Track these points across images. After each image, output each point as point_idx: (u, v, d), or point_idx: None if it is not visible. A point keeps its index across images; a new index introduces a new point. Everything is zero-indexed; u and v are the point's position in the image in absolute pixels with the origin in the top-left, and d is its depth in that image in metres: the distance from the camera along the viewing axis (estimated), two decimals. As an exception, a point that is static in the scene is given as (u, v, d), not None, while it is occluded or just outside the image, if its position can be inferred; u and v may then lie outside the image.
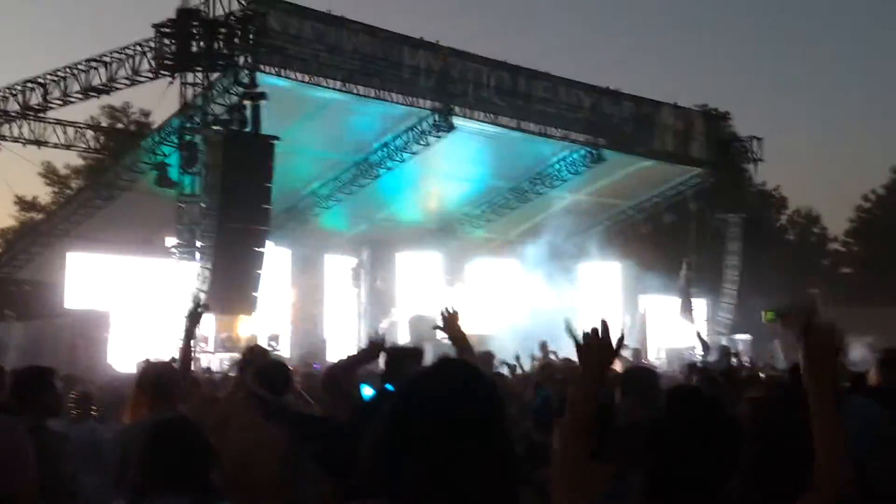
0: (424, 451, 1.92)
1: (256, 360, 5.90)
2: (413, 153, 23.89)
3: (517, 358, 15.87)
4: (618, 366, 12.53)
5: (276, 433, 5.11)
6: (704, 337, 22.47)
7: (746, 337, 28.88)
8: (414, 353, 5.62)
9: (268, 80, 19.49)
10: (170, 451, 3.72)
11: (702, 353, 20.76)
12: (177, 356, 14.06)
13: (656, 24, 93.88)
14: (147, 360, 9.39)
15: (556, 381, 7.54)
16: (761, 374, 13.47)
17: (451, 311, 4.96)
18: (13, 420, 4.24)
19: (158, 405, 5.16)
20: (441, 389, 2.00)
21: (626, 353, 17.38)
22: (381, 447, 1.98)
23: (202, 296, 15.91)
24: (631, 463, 3.52)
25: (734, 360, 19.46)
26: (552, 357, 15.29)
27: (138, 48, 20.55)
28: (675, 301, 27.66)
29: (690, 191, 30.03)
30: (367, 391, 5.25)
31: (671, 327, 27.06)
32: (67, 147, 26.98)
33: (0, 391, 7.40)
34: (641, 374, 5.56)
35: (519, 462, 2.08)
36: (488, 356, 9.77)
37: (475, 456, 1.93)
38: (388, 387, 5.12)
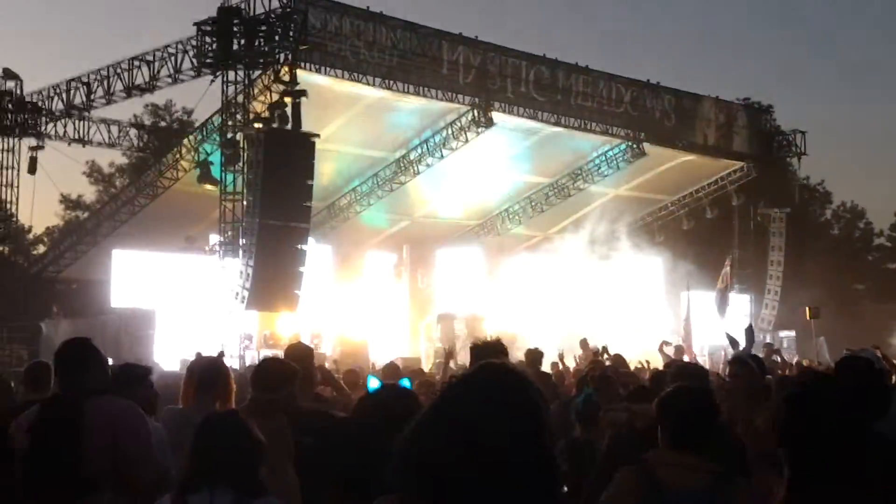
0: (456, 456, 1.88)
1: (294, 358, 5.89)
2: (452, 149, 23.86)
3: (560, 357, 15.81)
4: (661, 362, 12.44)
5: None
6: (732, 334, 22.26)
7: (790, 333, 28.55)
8: (498, 347, 5.54)
9: (308, 78, 19.56)
10: (217, 445, 3.72)
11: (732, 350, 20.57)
12: (224, 350, 14.16)
13: (698, 17, 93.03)
14: (198, 353, 9.46)
15: (604, 378, 7.47)
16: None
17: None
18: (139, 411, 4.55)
19: (201, 397, 5.21)
20: (480, 395, 1.95)
21: (668, 349, 17.26)
22: (413, 449, 1.94)
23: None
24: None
25: (776, 357, 19.25)
26: (594, 353, 15.19)
27: (180, 46, 20.75)
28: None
29: (733, 185, 29.72)
30: (374, 383, 5.22)
31: (714, 323, 26.77)
32: (111, 145, 27.36)
33: (44, 387, 7.48)
34: (693, 371, 5.52)
35: (558, 470, 2.02)
36: (538, 353, 9.72)
37: (510, 465, 1.88)
38: (403, 382, 5.10)
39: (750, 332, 18.04)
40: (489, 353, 5.29)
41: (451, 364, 10.58)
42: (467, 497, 1.86)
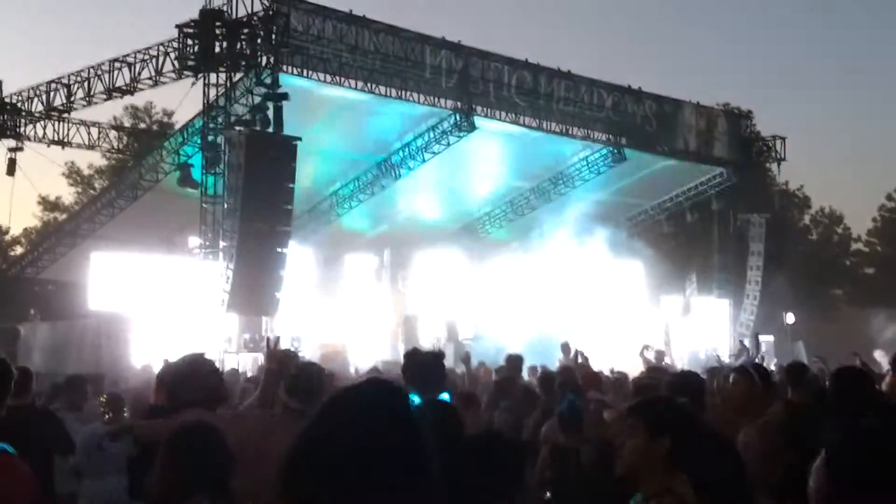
0: (330, 473, 1.95)
1: (285, 369, 5.77)
2: (434, 153, 23.87)
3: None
4: (642, 366, 12.47)
5: None
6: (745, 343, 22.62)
7: (769, 338, 28.69)
8: (432, 358, 5.47)
9: (290, 81, 19.52)
10: (188, 457, 3.70)
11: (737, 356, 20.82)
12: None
13: (679, 23, 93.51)
14: (166, 360, 9.35)
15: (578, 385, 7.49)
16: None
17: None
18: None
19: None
20: (357, 412, 2.03)
21: (648, 354, 17.29)
22: (295, 461, 2.01)
23: None
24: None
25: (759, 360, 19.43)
26: (578, 359, 15.17)
27: (161, 49, 20.68)
28: (699, 301, 27.55)
29: (713, 190, 29.86)
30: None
31: (693, 327, 26.91)
32: (91, 147, 27.21)
33: (25, 393, 7.42)
34: (691, 378, 5.54)
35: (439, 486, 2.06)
36: (518, 359, 9.73)
37: (382, 481, 1.96)
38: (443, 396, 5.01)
39: (755, 339, 18.11)
40: (423, 361, 5.26)
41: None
42: None
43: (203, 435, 3.83)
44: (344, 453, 1.95)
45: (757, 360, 19.31)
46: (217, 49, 19.18)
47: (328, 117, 22.46)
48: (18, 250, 39.13)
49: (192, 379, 5.01)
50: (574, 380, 8.11)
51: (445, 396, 4.94)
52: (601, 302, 25.96)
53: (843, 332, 31.52)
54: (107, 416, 7.00)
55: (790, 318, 27.51)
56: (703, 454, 3.55)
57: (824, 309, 39.93)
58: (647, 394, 5.27)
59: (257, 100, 18.99)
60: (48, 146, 25.34)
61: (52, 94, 23.29)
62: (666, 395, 4.89)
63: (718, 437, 4.58)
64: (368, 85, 21.41)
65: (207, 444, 3.74)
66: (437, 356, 5.44)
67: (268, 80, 18.96)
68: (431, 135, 23.58)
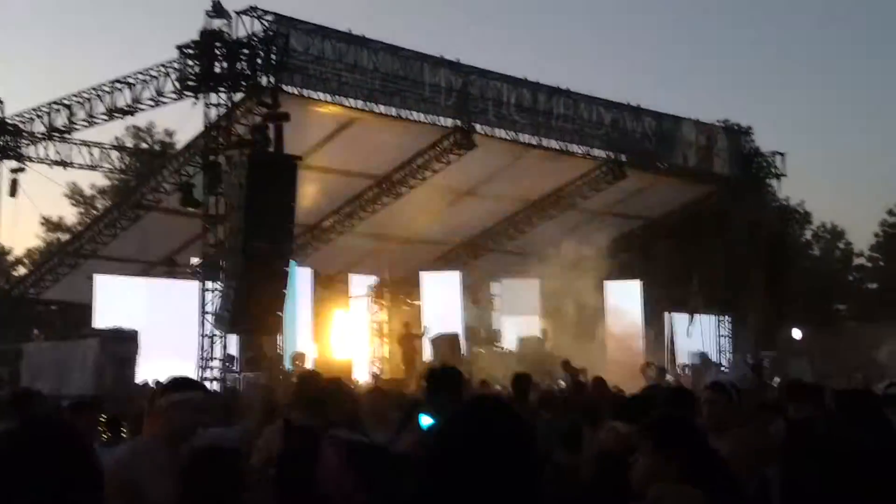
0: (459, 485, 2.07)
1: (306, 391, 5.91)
2: (434, 171, 23.93)
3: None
4: (642, 383, 12.49)
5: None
6: (709, 357, 22.60)
7: (771, 354, 28.67)
8: (454, 374, 5.69)
9: (290, 100, 19.58)
10: (204, 479, 3.72)
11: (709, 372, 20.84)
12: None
13: (678, 40, 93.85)
14: (157, 381, 9.36)
15: (584, 403, 7.51)
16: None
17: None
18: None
19: None
20: (482, 437, 2.14)
21: (651, 371, 17.34)
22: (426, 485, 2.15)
23: None
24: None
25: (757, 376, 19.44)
26: (581, 377, 15.23)
27: (162, 69, 20.76)
28: (699, 318, 27.54)
29: (713, 207, 29.87)
30: (426, 420, 5.18)
31: (694, 344, 26.92)
32: (93, 168, 27.28)
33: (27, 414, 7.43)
34: (682, 395, 5.55)
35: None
36: (527, 378, 9.74)
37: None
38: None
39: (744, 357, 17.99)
40: (446, 379, 5.47)
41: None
42: None
43: (215, 458, 3.86)
44: (472, 469, 2.06)
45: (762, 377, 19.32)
46: (217, 69, 19.25)
47: (328, 136, 22.54)
48: (21, 271, 39.17)
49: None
50: (582, 400, 8.14)
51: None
52: (602, 319, 25.99)
53: (847, 347, 31.50)
54: (104, 437, 7.04)
55: (797, 333, 27.49)
56: (708, 471, 3.57)
57: (827, 325, 39.88)
58: (631, 411, 5.32)
59: (258, 119, 19.07)
60: (50, 167, 25.41)
61: (53, 114, 23.38)
62: (674, 413, 4.89)
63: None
64: (368, 104, 21.50)
65: (220, 466, 3.77)
66: (455, 371, 5.93)
67: (268, 100, 19.04)
68: (431, 153, 23.65)
